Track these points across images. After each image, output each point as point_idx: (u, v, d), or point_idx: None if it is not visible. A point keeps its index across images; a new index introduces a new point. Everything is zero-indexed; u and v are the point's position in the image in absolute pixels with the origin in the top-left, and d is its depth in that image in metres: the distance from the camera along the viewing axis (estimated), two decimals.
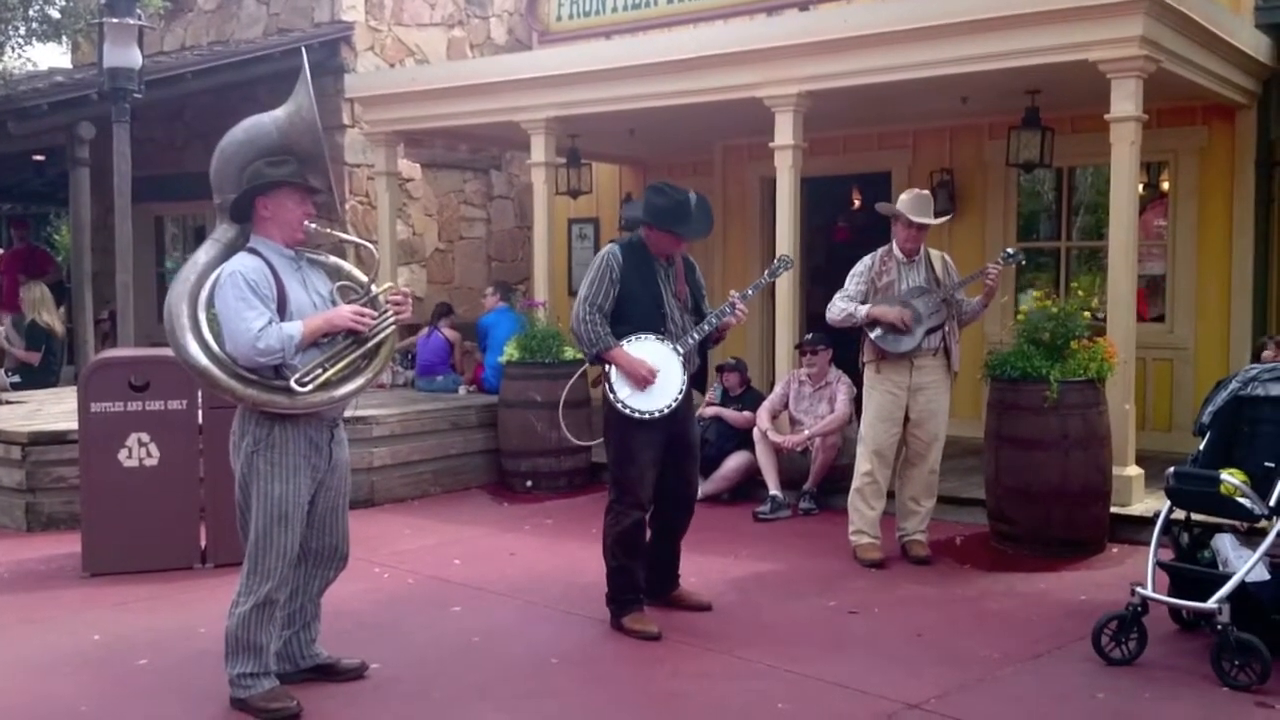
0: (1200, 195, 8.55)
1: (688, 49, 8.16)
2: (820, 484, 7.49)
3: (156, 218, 12.64)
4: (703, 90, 8.13)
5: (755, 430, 7.68)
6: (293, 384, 3.94)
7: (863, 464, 6.19)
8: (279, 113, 4.18)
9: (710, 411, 8.01)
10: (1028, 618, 5.23)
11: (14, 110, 9.15)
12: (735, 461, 7.84)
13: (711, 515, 6.92)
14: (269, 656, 4.13)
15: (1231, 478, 4.57)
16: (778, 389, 7.84)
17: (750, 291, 5.24)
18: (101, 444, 6.03)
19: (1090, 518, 6.26)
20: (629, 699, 4.35)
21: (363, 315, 4.09)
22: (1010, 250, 6.48)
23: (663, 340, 4.96)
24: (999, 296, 6.93)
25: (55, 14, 10.25)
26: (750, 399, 8.09)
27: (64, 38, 10.75)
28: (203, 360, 3.96)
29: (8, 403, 8.48)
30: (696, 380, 5.13)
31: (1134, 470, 6.75)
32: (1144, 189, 8.55)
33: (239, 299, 3.89)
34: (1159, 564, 4.75)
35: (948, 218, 7.70)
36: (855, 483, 6.24)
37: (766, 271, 5.54)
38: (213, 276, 4.06)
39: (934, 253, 6.30)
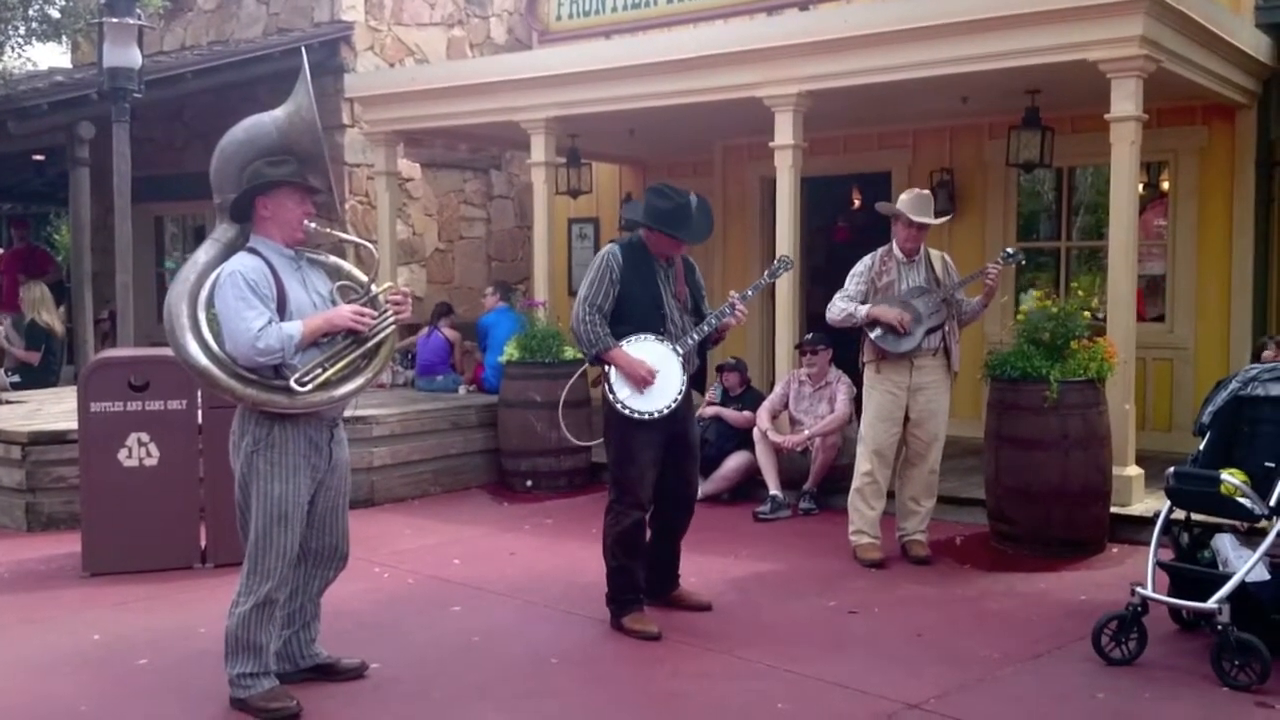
0: (1200, 195, 8.55)
1: (688, 49, 8.16)
2: (820, 484, 7.49)
3: (156, 217, 12.64)
4: (703, 90, 8.13)
5: (755, 430, 7.68)
6: (292, 384, 3.94)
7: (863, 464, 6.19)
8: (279, 112, 4.18)
9: (710, 411, 8.01)
10: (1028, 618, 5.23)
11: (14, 110, 9.15)
12: (735, 461, 7.84)
13: (711, 515, 6.92)
14: (269, 656, 4.13)
15: (1232, 478, 4.56)
16: (778, 389, 7.84)
17: (750, 292, 5.24)
18: (101, 444, 6.02)
19: (1090, 518, 6.26)
20: (629, 699, 4.35)
21: (362, 315, 4.09)
22: (1010, 250, 6.48)
23: (662, 341, 4.96)
24: (999, 296, 6.93)
25: (55, 14, 10.25)
26: (750, 399, 8.09)
27: (64, 37, 10.76)
28: (202, 360, 3.96)
29: (8, 402, 8.48)
30: (696, 381, 5.13)
31: (1134, 470, 6.75)
32: (1144, 189, 8.55)
33: (239, 299, 3.89)
34: (1159, 564, 4.75)
35: (948, 218, 7.70)
36: (855, 483, 6.24)
37: (766, 272, 5.54)
38: (212, 276, 4.06)
39: (934, 253, 6.30)
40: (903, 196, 6.17)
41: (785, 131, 7.81)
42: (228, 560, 5.73)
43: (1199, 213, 8.55)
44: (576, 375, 8.06)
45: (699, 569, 5.74)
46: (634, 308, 4.97)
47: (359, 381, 4.11)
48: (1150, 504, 6.55)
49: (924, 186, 7.37)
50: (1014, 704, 4.22)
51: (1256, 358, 7.02)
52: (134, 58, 8.35)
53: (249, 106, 4.77)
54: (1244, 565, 4.48)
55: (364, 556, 5.97)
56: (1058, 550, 6.17)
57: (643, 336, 4.93)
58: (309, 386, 3.97)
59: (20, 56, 10.40)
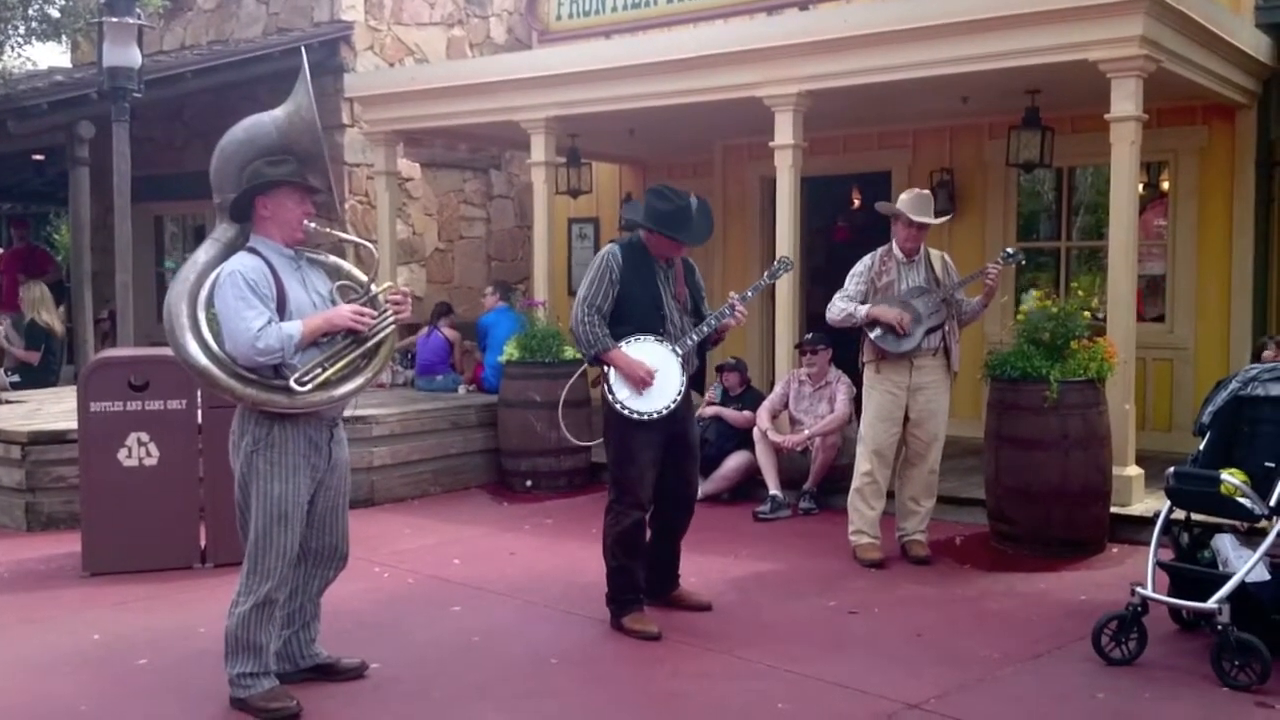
0: (1200, 195, 8.55)
1: (688, 48, 8.16)
2: (820, 484, 7.49)
3: (156, 217, 12.64)
4: (703, 90, 8.13)
5: (755, 430, 7.68)
6: (292, 383, 3.94)
7: (862, 464, 6.19)
8: (278, 112, 4.18)
9: (710, 411, 8.01)
10: (1028, 618, 5.23)
11: (14, 109, 9.15)
12: (735, 461, 7.84)
13: (711, 515, 6.92)
14: (269, 656, 4.13)
15: (1232, 478, 4.56)
16: (778, 389, 7.84)
17: (750, 293, 5.24)
18: (101, 443, 6.02)
19: (1090, 518, 6.26)
20: (629, 699, 4.35)
21: (362, 315, 4.09)
22: (1010, 250, 6.48)
23: (661, 342, 4.96)
24: (999, 296, 6.93)
25: (55, 13, 10.24)
26: (750, 399, 8.09)
27: (63, 37, 10.75)
28: (202, 360, 3.96)
29: (7, 402, 8.48)
30: (695, 381, 5.13)
31: (1134, 470, 6.75)
32: (1144, 189, 8.55)
33: (238, 298, 3.89)
34: (1159, 564, 4.75)
35: (948, 217, 7.70)
36: (855, 483, 6.24)
37: (766, 273, 5.53)
38: (212, 276, 4.06)
39: (934, 252, 6.30)
40: (902, 196, 6.17)
41: (785, 131, 7.81)
42: (227, 560, 5.73)
43: (1199, 213, 8.55)
44: (576, 375, 8.06)
45: (699, 569, 5.74)
46: (633, 308, 4.97)
47: (359, 381, 4.11)
48: (1150, 504, 6.55)
49: (924, 186, 7.38)
50: (1014, 704, 4.22)
51: (1257, 358, 7.02)
52: (134, 57, 8.34)
53: (249, 106, 4.77)
54: (1244, 565, 4.48)
55: (364, 556, 5.97)
56: (1058, 550, 6.17)
57: (642, 337, 4.93)
58: (309, 386, 3.96)
59: (20, 56, 10.40)
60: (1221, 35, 7.21)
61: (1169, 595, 4.73)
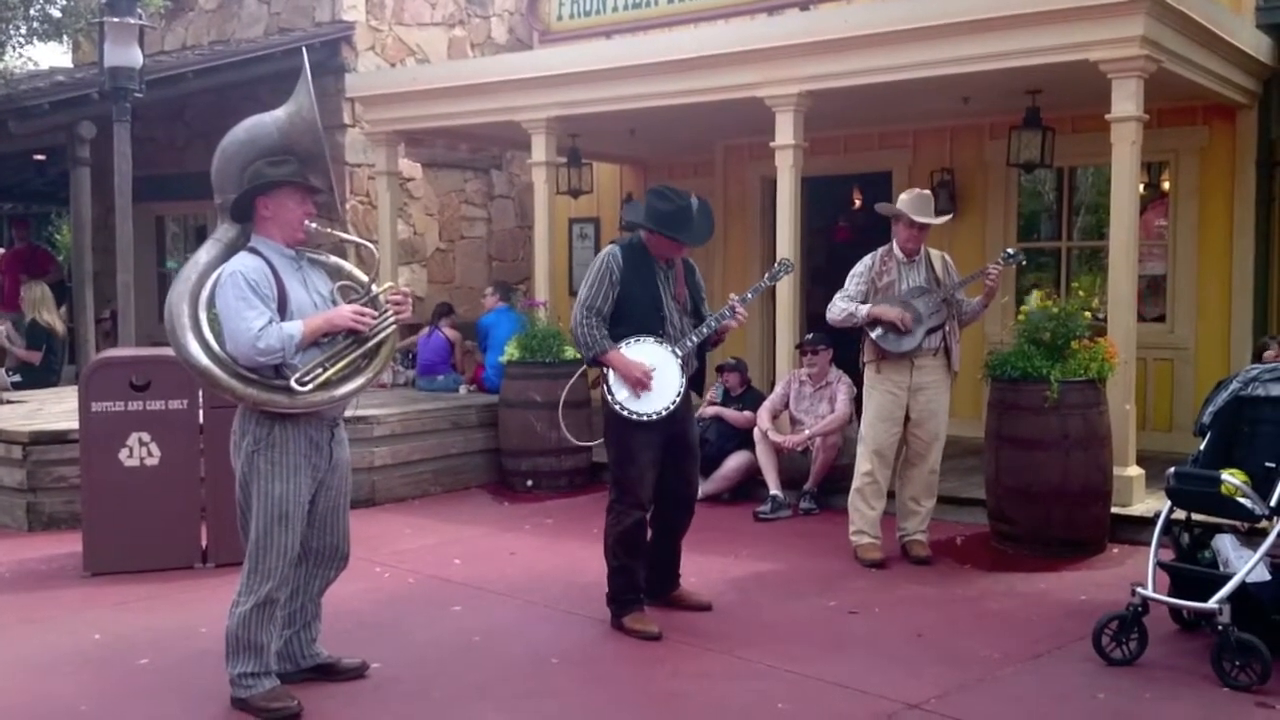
0: (1201, 195, 8.55)
1: (688, 49, 8.16)
2: (820, 484, 7.49)
3: (157, 217, 12.65)
4: (703, 90, 8.13)
5: (756, 430, 7.68)
6: (293, 383, 3.94)
7: (863, 464, 6.19)
8: (280, 112, 4.19)
9: (710, 411, 8.01)
10: (1028, 618, 5.23)
11: (15, 109, 9.16)
12: (735, 461, 7.84)
13: (712, 515, 6.92)
14: (270, 656, 4.13)
15: (1232, 478, 4.56)
16: (778, 389, 7.85)
17: (750, 295, 5.23)
18: (102, 443, 6.03)
19: (1090, 518, 6.26)
20: (629, 699, 4.35)
21: (363, 315, 4.10)
22: (1010, 250, 6.48)
23: (661, 343, 4.96)
24: (999, 296, 6.93)
25: (56, 13, 10.25)
26: (751, 399, 8.10)
27: (65, 37, 10.77)
28: (203, 360, 3.96)
29: (9, 402, 8.48)
30: (694, 382, 5.13)
31: (1134, 470, 6.75)
32: (1145, 189, 8.55)
33: (239, 298, 3.89)
34: (1159, 564, 4.75)
35: (948, 217, 7.69)
36: (855, 483, 6.24)
37: (766, 275, 5.53)
38: (213, 276, 4.06)
39: (934, 253, 6.30)
40: (903, 196, 6.17)
41: (786, 131, 7.82)
42: (229, 560, 5.73)
43: (1199, 213, 8.55)
44: (576, 375, 8.05)
45: (699, 569, 5.74)
46: (633, 309, 4.97)
47: (359, 381, 4.11)
48: (1151, 504, 6.55)
49: (924, 186, 7.38)
50: (1014, 704, 4.23)
51: (1257, 358, 7.03)
52: (135, 57, 8.35)
53: (250, 106, 4.77)
54: (1244, 565, 4.48)
55: (365, 556, 5.97)
56: (1058, 550, 6.17)
57: (641, 338, 4.93)
58: (309, 386, 3.97)
59: (21, 56, 10.41)
60: (1222, 35, 7.21)
61: (1169, 595, 4.73)
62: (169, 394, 6.09)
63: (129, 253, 8.75)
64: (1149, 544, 4.82)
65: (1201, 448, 4.92)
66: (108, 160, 8.69)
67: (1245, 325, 8.35)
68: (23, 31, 10.19)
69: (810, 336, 7.75)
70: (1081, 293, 6.85)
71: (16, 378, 9.63)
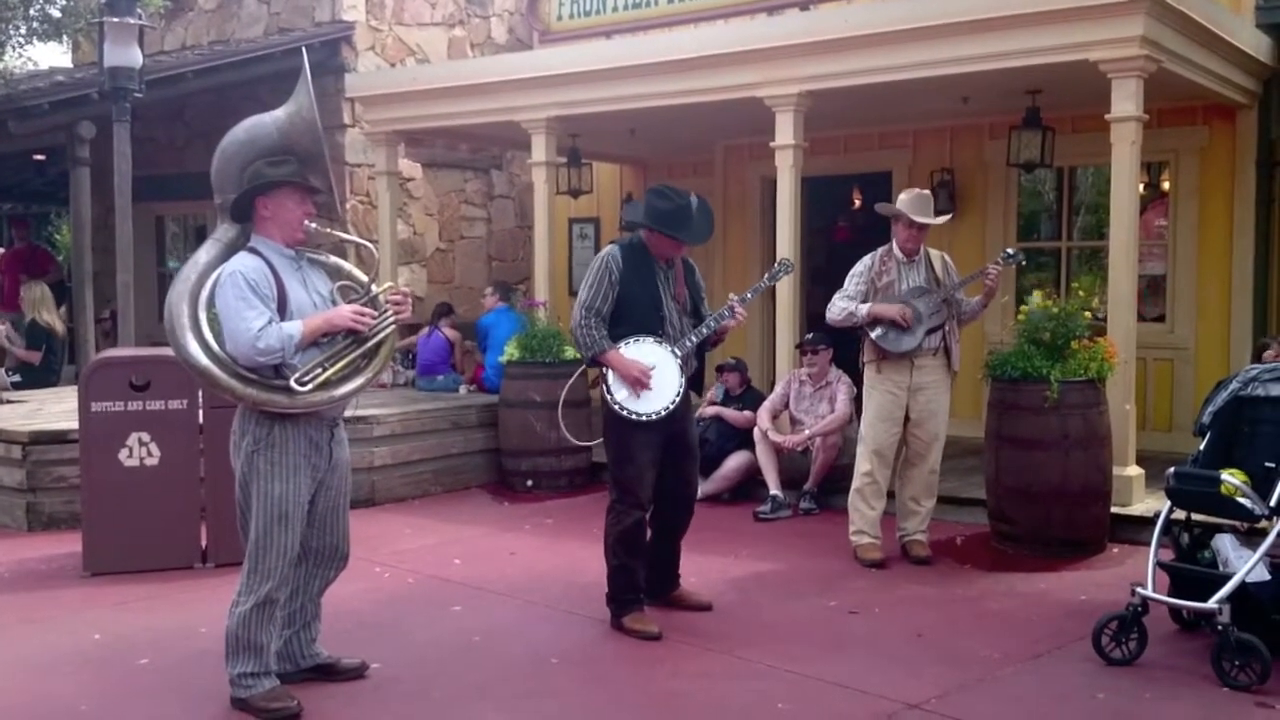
0: (1201, 195, 8.55)
1: (688, 49, 8.16)
2: (820, 484, 7.49)
3: (157, 217, 12.65)
4: (703, 90, 8.13)
5: (756, 430, 7.68)
6: (292, 383, 3.94)
7: (863, 464, 6.19)
8: (279, 112, 4.19)
9: (710, 411, 8.01)
10: (1028, 618, 5.23)
11: (15, 109, 9.16)
12: (735, 461, 7.84)
13: (712, 515, 6.92)
14: (269, 656, 4.13)
15: (1232, 478, 4.56)
16: (778, 389, 7.85)
17: (749, 295, 5.24)
18: (102, 443, 6.03)
19: (1090, 518, 6.26)
20: (629, 699, 4.35)
21: (363, 315, 4.10)
22: (1010, 250, 6.48)
23: (660, 343, 4.96)
24: (999, 296, 6.93)
25: (56, 13, 10.25)
26: (751, 399, 8.09)
27: (65, 37, 10.76)
28: (203, 360, 3.96)
29: (8, 402, 8.48)
30: (694, 382, 5.13)
31: (1134, 470, 6.75)
32: (1144, 189, 8.55)
33: (239, 299, 3.89)
34: (1159, 564, 4.75)
35: (948, 217, 7.69)
36: (855, 483, 6.24)
37: (766, 275, 5.53)
38: (213, 276, 4.06)
39: (934, 253, 6.30)
40: (903, 196, 6.17)
41: (786, 131, 7.82)
42: (228, 560, 5.73)
43: (1199, 213, 8.55)
44: (576, 375, 8.01)
45: (699, 569, 5.74)
46: (633, 309, 4.97)
47: (359, 381, 4.11)
48: (1150, 504, 6.55)
49: (924, 186, 7.39)
50: (1014, 704, 4.23)
51: (1257, 358, 7.02)
52: (135, 57, 8.35)
53: (250, 106, 4.77)
54: (1244, 565, 4.48)
55: (364, 556, 5.97)
56: (1058, 550, 6.17)
57: (641, 338, 4.93)
58: (309, 386, 3.97)
59: (21, 56, 10.41)
60: (1222, 35, 7.21)
61: (1169, 595, 4.73)
62: (169, 394, 6.09)
63: (129, 253, 8.76)
64: (1149, 544, 4.82)
65: (1201, 448, 4.92)
66: (107, 160, 8.69)
67: (1245, 325, 8.35)
68: (22, 31, 10.19)
69: (810, 336, 7.75)
70: (1081, 293, 6.86)
71: (16, 378, 9.63)
